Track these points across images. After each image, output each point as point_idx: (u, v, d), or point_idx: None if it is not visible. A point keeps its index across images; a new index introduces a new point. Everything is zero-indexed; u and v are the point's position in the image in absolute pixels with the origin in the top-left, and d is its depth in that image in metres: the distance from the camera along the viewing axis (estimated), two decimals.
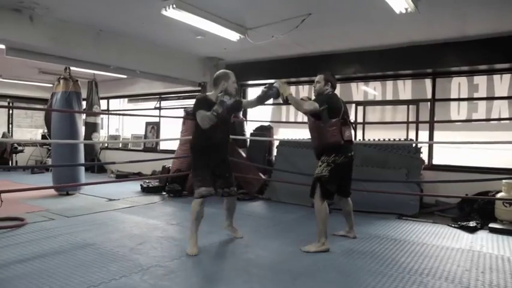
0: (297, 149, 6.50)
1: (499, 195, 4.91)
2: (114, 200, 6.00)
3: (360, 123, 6.65)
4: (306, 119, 5.96)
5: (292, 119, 7.46)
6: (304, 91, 7.31)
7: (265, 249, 3.61)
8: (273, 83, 3.59)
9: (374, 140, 6.13)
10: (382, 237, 4.14)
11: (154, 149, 9.43)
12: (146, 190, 6.77)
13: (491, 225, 4.61)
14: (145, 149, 9.60)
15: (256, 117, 7.73)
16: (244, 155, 6.89)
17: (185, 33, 5.29)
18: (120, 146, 10.43)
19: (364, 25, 4.86)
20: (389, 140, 5.95)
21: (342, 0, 4.05)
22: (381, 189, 5.35)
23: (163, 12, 4.18)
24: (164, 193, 6.64)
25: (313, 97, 3.87)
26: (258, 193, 6.52)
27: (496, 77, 5.69)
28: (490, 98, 5.72)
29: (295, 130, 7.37)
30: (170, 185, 6.57)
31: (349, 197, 3.96)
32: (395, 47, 5.70)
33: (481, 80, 5.80)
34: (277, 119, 7.72)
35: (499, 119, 5.72)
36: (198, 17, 4.43)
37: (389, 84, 6.56)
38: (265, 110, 7.90)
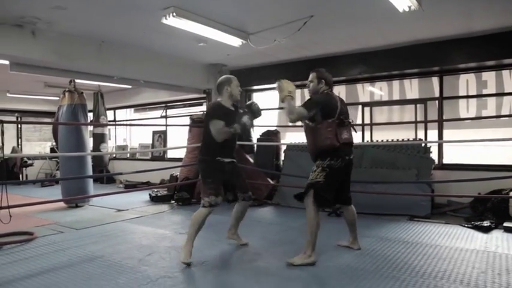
0: (305, 152, 6.40)
1: None
2: (123, 210, 5.99)
3: (367, 124, 6.57)
4: None
5: (298, 123, 7.36)
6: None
7: (275, 257, 3.56)
8: (251, 103, 3.65)
9: (382, 140, 6.05)
10: (393, 240, 4.06)
11: (162, 157, 9.44)
12: (155, 199, 6.75)
13: (506, 224, 4.50)
14: (153, 158, 9.61)
15: (263, 122, 7.67)
16: (252, 160, 6.85)
17: (187, 41, 5.28)
18: (128, 155, 10.46)
19: (367, 25, 4.79)
20: (397, 140, 5.87)
21: (344, 1, 4.00)
22: (391, 190, 5.28)
23: (164, 21, 4.16)
24: (173, 202, 6.63)
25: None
26: (267, 199, 6.47)
27: (505, 73, 5.58)
28: (500, 94, 5.61)
29: (303, 134, 7.29)
30: (178, 194, 6.55)
31: (351, 204, 3.64)
32: (400, 46, 5.62)
33: (489, 76, 5.70)
34: (283, 123, 7.67)
35: (510, 115, 5.60)
36: (198, 24, 4.40)
37: (396, 84, 6.48)
38: (272, 115, 7.86)
